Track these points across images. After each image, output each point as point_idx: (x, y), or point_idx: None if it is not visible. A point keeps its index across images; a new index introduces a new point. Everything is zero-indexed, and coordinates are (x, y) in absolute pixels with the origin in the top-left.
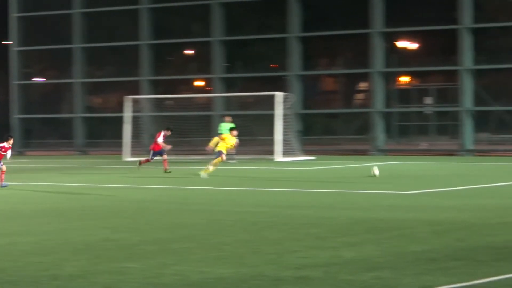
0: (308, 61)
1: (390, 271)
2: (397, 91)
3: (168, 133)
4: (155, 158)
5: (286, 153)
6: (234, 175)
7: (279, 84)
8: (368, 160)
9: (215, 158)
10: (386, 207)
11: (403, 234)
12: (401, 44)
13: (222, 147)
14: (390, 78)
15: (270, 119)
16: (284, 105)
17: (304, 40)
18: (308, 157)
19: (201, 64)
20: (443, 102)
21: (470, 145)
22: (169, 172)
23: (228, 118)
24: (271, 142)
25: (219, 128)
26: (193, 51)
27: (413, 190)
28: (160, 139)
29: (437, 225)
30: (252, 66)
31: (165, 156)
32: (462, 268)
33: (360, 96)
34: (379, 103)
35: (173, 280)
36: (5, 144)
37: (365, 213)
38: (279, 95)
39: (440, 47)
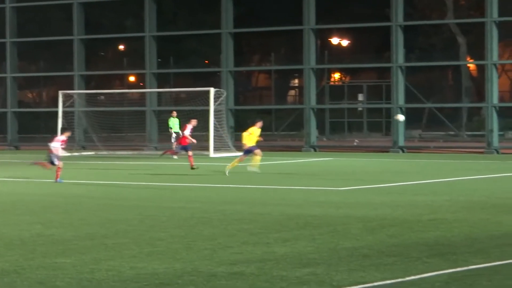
0: (241, 57)
1: (323, 267)
2: (329, 87)
3: (194, 123)
4: (182, 152)
5: (219, 149)
6: (168, 172)
7: (212, 80)
8: (300, 156)
9: (243, 156)
10: (319, 203)
11: (336, 230)
12: (334, 41)
13: (251, 141)
14: (322, 74)
15: (203, 115)
16: (217, 101)
17: (237, 36)
18: (241, 153)
19: (134, 60)
20: (375, 99)
21: (401, 142)
22: (196, 168)
23: (175, 113)
24: (205, 138)
25: (169, 123)
26: (126, 46)
27: (346, 187)
28: (187, 132)
29: (370, 221)
30: (185, 61)
31: (190, 152)
32: (395, 264)
33: (292, 92)
34: (311, 100)
35: (107, 276)
36: (63, 137)
37: (298, 209)
38: (211, 91)
39: (373, 44)
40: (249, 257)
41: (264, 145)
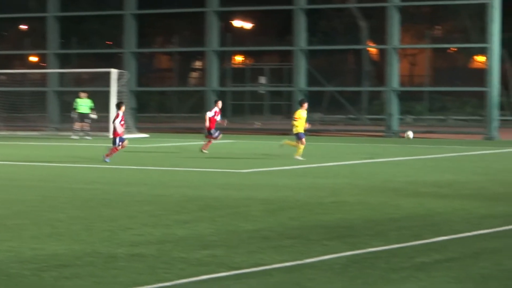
0: (144, 38)
1: (223, 249)
2: (232, 70)
3: (219, 105)
4: (217, 135)
5: None
6: (68, 153)
7: (114, 61)
8: (202, 138)
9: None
10: (220, 185)
11: (237, 212)
12: (236, 23)
13: (302, 125)
14: (225, 57)
15: (104, 96)
16: (119, 82)
17: (140, 18)
18: (142, 134)
19: (36, 40)
20: (277, 82)
21: None
22: (206, 153)
23: (83, 94)
24: (106, 119)
25: (75, 104)
26: (28, 26)
27: (247, 169)
28: (211, 114)
29: (271, 203)
30: (88, 42)
31: (213, 137)
32: (295, 247)
33: (195, 74)
34: (214, 82)
35: (6, 257)
36: (119, 113)
37: (199, 191)
38: (114, 72)
39: (275, 27)
40: (149, 239)
41: (165, 126)
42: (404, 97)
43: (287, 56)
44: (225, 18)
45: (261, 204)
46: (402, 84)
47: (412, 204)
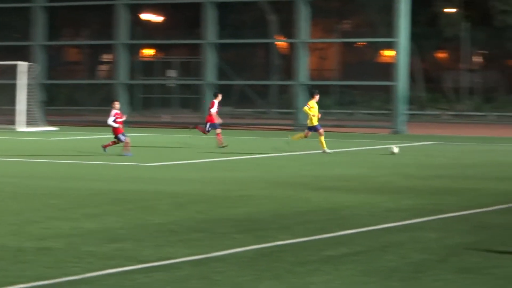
0: (53, 31)
1: (131, 242)
2: (141, 63)
3: (219, 98)
4: (211, 130)
5: (28, 123)
6: None
7: (22, 53)
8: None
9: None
10: (129, 179)
11: (145, 206)
12: (146, 16)
13: (315, 118)
14: (134, 50)
15: (12, 89)
16: (28, 75)
17: (49, 10)
18: (51, 127)
19: None
20: (187, 75)
21: None
22: (226, 146)
23: None
24: (13, 112)
25: None
26: None
27: (156, 162)
28: (213, 109)
29: (179, 197)
30: None
31: (218, 130)
32: (203, 240)
33: (104, 67)
34: (123, 75)
35: None
36: (116, 111)
37: (107, 185)
38: (22, 65)
39: (185, 20)
40: (57, 232)
41: (74, 119)
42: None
43: (196, 49)
44: (134, 11)
45: (169, 198)
46: (311, 78)
47: (319, 197)
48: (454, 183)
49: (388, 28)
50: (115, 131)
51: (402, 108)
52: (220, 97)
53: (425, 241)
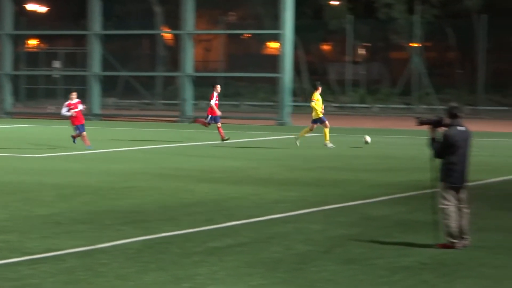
0: None
1: (16, 234)
2: (26, 54)
3: (218, 89)
4: (212, 123)
5: None
6: None
7: None
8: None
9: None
10: (12, 170)
11: (30, 197)
12: (30, 7)
13: (319, 110)
14: (19, 41)
15: None
16: None
17: None
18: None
19: None
20: (72, 66)
21: (97, 110)
22: (227, 139)
23: None
24: None
25: None
26: None
27: (40, 154)
28: (213, 101)
29: (64, 188)
30: None
31: (219, 124)
32: (88, 232)
33: None
34: (7, 66)
35: None
36: (70, 101)
37: None
38: None
39: (70, 11)
40: None
41: None
42: (199, 83)
43: (81, 40)
44: (19, 1)
45: (54, 189)
46: (197, 69)
47: (205, 189)
48: (338, 175)
49: (274, 20)
50: (72, 121)
51: (287, 100)
52: (219, 88)
53: (310, 233)
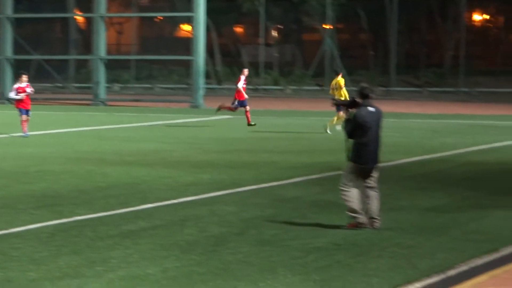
0: None
1: None
2: None
3: (245, 73)
4: (239, 107)
5: None
6: None
7: None
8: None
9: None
10: None
11: None
12: None
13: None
14: None
15: None
16: None
17: None
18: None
19: None
20: None
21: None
22: (254, 125)
23: None
24: None
25: None
26: None
27: None
28: (240, 84)
29: None
30: None
31: (247, 108)
32: (1, 216)
33: None
34: None
35: None
36: (19, 85)
37: None
38: None
39: None
40: None
41: None
42: (111, 66)
43: None
44: None
45: None
46: (109, 52)
47: (118, 172)
48: (251, 157)
49: (186, 3)
50: (17, 104)
51: (200, 83)
52: (246, 71)
53: (224, 215)
